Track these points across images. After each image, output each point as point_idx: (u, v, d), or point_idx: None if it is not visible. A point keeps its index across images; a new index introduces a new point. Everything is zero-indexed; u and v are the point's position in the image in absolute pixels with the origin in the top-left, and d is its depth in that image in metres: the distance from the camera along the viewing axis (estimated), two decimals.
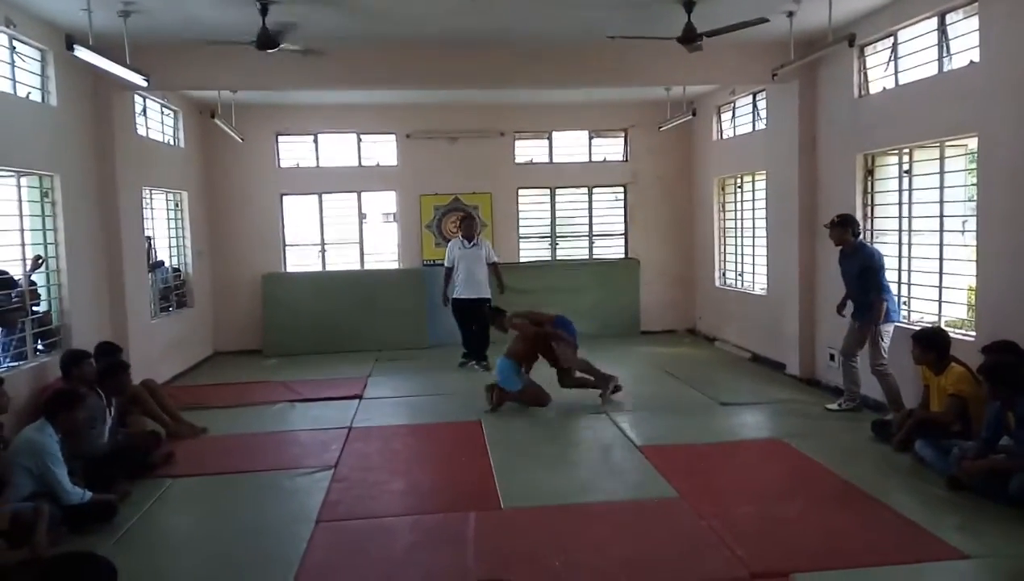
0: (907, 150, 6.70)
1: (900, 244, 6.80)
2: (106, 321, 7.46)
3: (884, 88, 6.96)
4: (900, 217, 6.79)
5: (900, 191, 6.80)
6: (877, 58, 7.06)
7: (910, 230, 6.70)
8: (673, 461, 5.66)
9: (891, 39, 6.79)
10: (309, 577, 4.00)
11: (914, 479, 5.20)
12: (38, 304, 6.61)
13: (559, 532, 4.48)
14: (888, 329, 6.47)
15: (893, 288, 6.72)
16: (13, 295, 6.15)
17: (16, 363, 6.14)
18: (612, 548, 4.27)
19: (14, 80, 6.19)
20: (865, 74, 7.22)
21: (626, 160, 11.52)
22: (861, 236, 6.78)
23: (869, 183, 7.22)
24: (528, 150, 11.46)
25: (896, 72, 6.78)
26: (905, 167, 6.74)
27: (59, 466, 4.54)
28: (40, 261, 6.52)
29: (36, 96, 6.54)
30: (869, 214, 7.22)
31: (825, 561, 4.01)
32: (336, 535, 4.56)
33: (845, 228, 6.64)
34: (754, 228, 9.53)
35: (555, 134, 11.40)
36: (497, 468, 5.61)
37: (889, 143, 6.84)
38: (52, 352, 6.66)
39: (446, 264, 9.39)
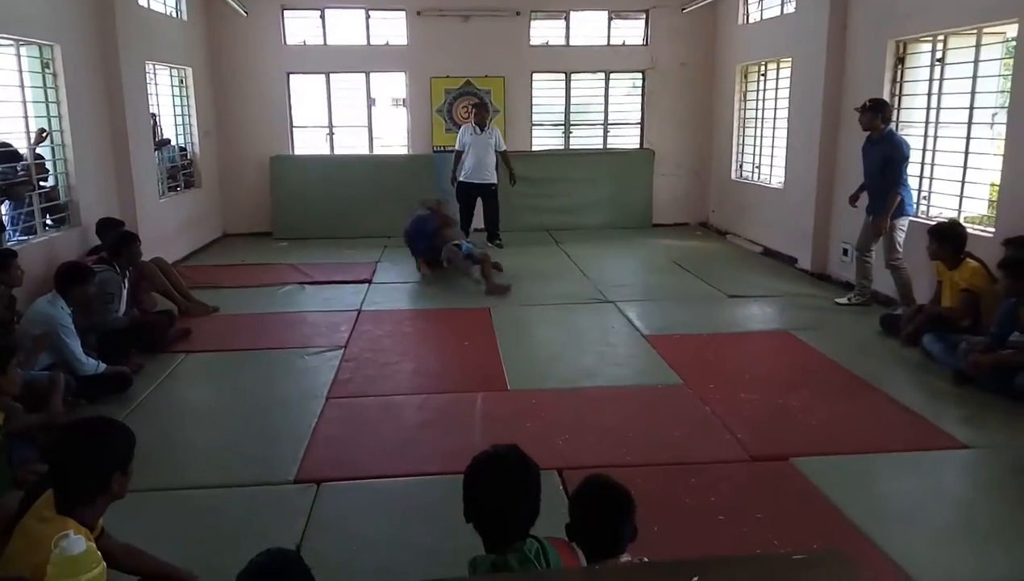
0: (941, 37, 6.38)
1: (926, 137, 6.58)
2: (114, 198, 7.42)
3: None
4: (928, 108, 6.55)
5: (931, 81, 6.52)
6: None
7: (937, 122, 6.47)
8: (679, 350, 5.69)
9: None
10: (320, 449, 4.11)
11: (920, 373, 5.23)
12: (45, 179, 6.55)
13: (564, 414, 4.56)
14: (903, 223, 6.35)
15: (914, 182, 6.57)
16: (19, 168, 6.08)
17: (25, 237, 6.15)
18: (616, 430, 4.35)
19: None
20: None
21: (646, 44, 11.06)
22: (892, 125, 6.53)
23: (899, 72, 6.93)
24: (544, 32, 10.99)
25: None
26: (938, 55, 6.44)
27: (72, 338, 4.61)
28: (45, 134, 6.41)
29: None
30: (896, 105, 6.95)
31: (824, 447, 4.08)
32: (346, 411, 4.66)
33: (876, 113, 6.35)
34: (775, 119, 9.24)
35: (572, 14, 10.90)
36: (504, 353, 5.66)
37: (923, 29, 6.51)
38: (61, 227, 6.65)
39: (456, 148, 9.58)
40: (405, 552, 3.17)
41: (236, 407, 4.78)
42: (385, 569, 3.07)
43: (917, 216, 6.57)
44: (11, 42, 5.97)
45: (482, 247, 8.65)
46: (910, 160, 6.32)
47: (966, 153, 6.08)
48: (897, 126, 6.90)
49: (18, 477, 3.30)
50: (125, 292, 5.72)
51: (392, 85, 11.06)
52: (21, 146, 6.19)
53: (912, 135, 6.76)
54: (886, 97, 6.91)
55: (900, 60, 6.90)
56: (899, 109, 6.95)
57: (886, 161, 6.27)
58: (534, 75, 11.02)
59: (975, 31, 5.97)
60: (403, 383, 5.18)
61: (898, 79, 6.94)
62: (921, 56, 6.72)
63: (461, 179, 9.50)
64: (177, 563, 2.66)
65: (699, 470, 3.83)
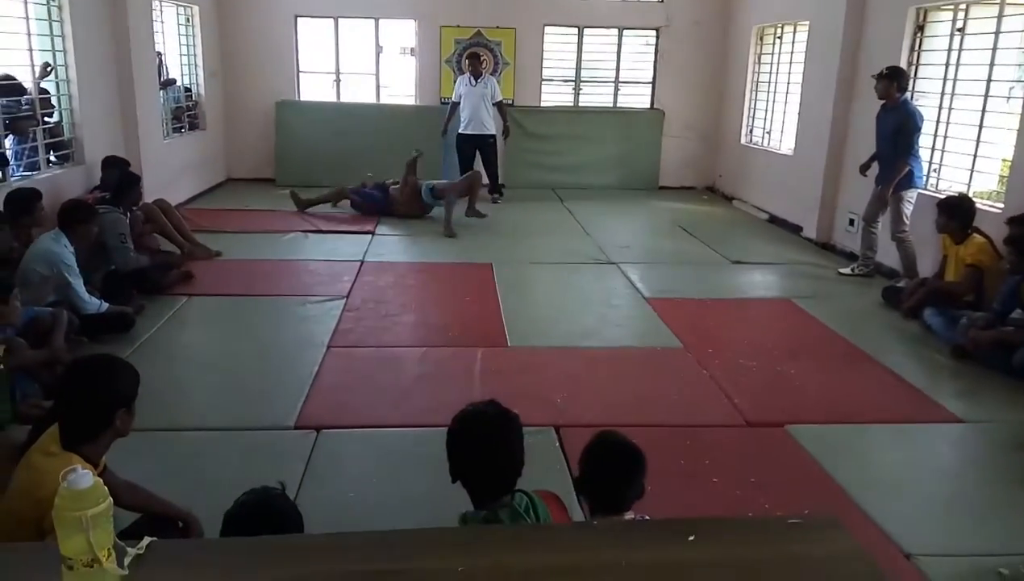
0: (963, 6, 6.26)
1: (940, 108, 6.49)
2: (118, 136, 7.35)
3: None
4: (945, 79, 6.45)
5: (949, 51, 6.41)
6: None
7: (953, 94, 6.38)
8: (679, 314, 5.70)
9: None
10: (320, 396, 4.15)
11: (919, 346, 5.24)
12: (50, 114, 6.49)
13: (562, 372, 4.59)
14: (911, 195, 6.30)
15: (925, 154, 6.52)
16: (23, 102, 6.02)
17: (29, 173, 6.11)
18: (613, 390, 4.38)
19: None
20: None
21: (662, 1, 10.85)
22: (907, 94, 6.45)
23: (918, 40, 6.80)
24: None
25: None
26: (959, 25, 6.32)
27: (75, 276, 4.61)
28: (49, 68, 6.33)
29: None
30: (913, 74, 6.85)
31: (820, 415, 4.12)
32: (346, 360, 4.69)
33: (892, 81, 6.27)
34: (788, 83, 9.11)
35: None
36: (505, 309, 5.67)
37: None
38: (65, 164, 6.61)
39: (452, 99, 9.68)
40: (400, 501, 3.22)
41: (238, 351, 4.81)
42: (380, 517, 3.11)
43: (926, 188, 6.53)
44: None
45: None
46: (922, 131, 6.26)
47: (980, 127, 6.00)
48: (912, 96, 6.81)
49: (21, 411, 3.33)
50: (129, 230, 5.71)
51: (401, 33, 10.87)
52: (26, 80, 6.11)
53: (927, 106, 6.67)
54: (903, 64, 6.81)
55: (920, 28, 6.78)
56: (915, 79, 6.84)
57: (898, 130, 6.20)
58: (546, 28, 10.82)
59: (998, 2, 5.85)
60: (404, 335, 5.20)
61: (916, 48, 6.82)
62: (941, 25, 6.60)
63: (460, 131, 9.55)
64: (176, 502, 2.70)
65: (695, 433, 3.87)
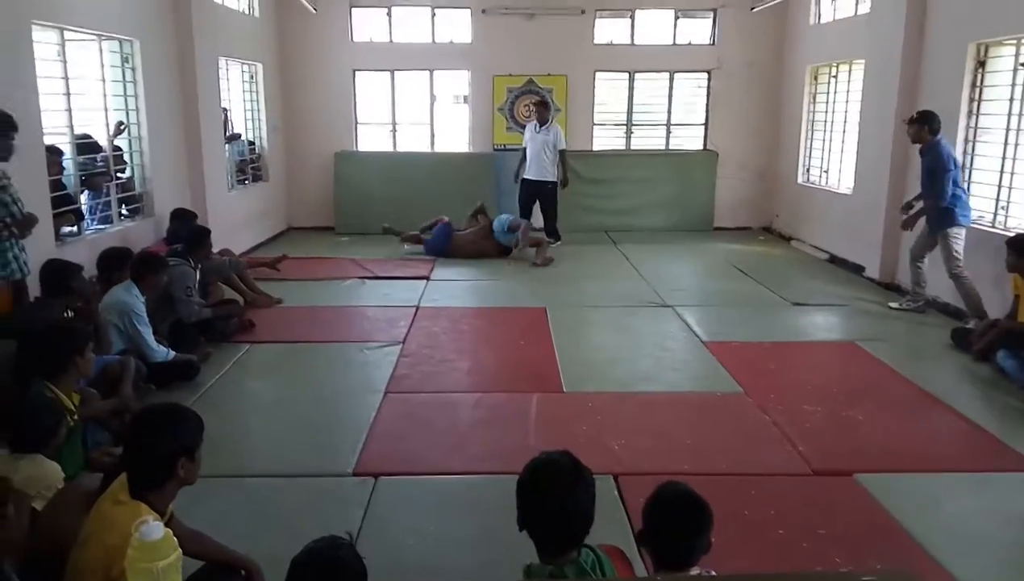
0: None
1: (1006, 144, 6.31)
2: (186, 189, 7.65)
3: None
4: (1009, 114, 6.28)
5: (1013, 86, 6.26)
6: None
7: (1019, 129, 6.20)
8: (739, 357, 5.59)
9: None
10: (378, 442, 4.18)
11: (992, 390, 5.03)
12: (123, 170, 6.80)
13: (619, 418, 4.53)
14: (956, 232, 6.24)
15: (990, 190, 6.36)
16: (98, 159, 6.33)
17: (102, 226, 6.39)
18: (672, 436, 4.30)
19: None
20: None
21: (713, 44, 10.89)
22: (941, 133, 6.40)
23: (979, 76, 6.66)
24: (608, 30, 10.92)
25: None
26: (1022, 59, 6.17)
27: (144, 325, 4.77)
28: (123, 127, 6.65)
29: None
30: (975, 110, 6.70)
31: (890, 464, 3.97)
32: (403, 406, 4.72)
33: (923, 125, 6.37)
34: (845, 122, 8.99)
35: (638, 13, 10.79)
36: (560, 353, 5.65)
37: (1007, 31, 6.24)
38: (136, 217, 6.90)
39: (522, 145, 9.74)
40: (459, 549, 3.20)
41: (298, 398, 4.89)
42: (438, 566, 3.10)
43: (994, 226, 6.33)
44: (94, 38, 6.20)
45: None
46: (955, 170, 6.22)
47: None
48: (976, 132, 6.66)
49: (92, 459, 3.44)
50: (197, 283, 5.91)
51: (455, 82, 11.13)
52: (101, 138, 6.43)
53: (990, 142, 6.53)
54: (964, 101, 6.69)
55: (981, 64, 6.64)
56: (978, 115, 6.69)
57: (931, 171, 6.27)
58: (597, 74, 10.95)
59: None
60: (459, 380, 5.21)
61: (978, 83, 6.67)
62: (1003, 60, 6.46)
63: (522, 176, 9.64)
64: (238, 549, 2.73)
65: (759, 482, 3.76)
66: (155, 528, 1.31)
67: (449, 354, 5.72)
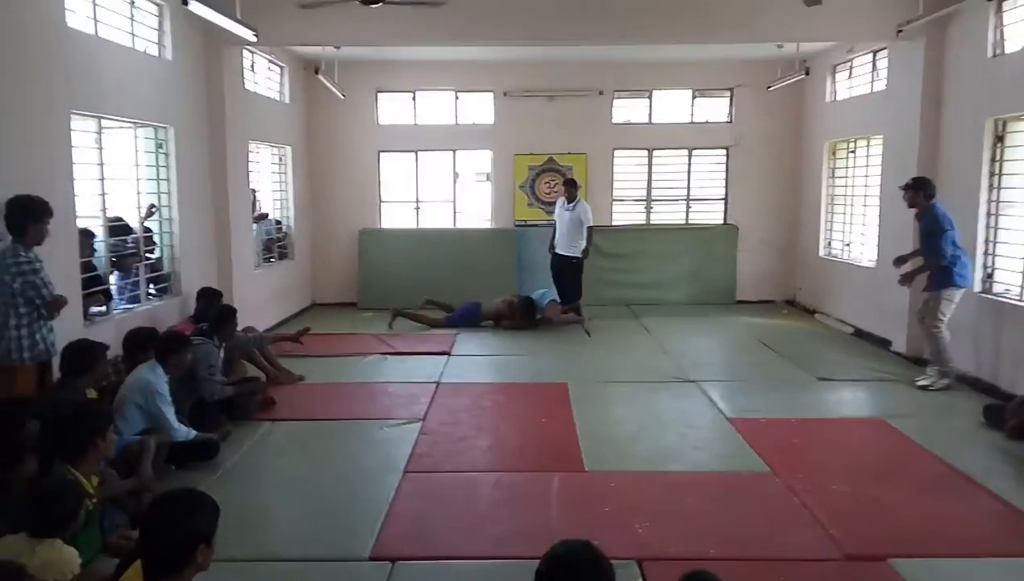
0: None
1: None
2: (213, 268, 7.81)
3: (1023, 46, 6.38)
4: None
5: None
6: (1016, 14, 6.47)
7: None
8: (765, 435, 5.48)
9: None
10: (397, 522, 4.11)
11: None
12: (152, 251, 6.97)
13: (643, 498, 4.43)
14: (950, 294, 6.46)
15: (1015, 264, 6.33)
16: (129, 241, 6.50)
17: (131, 306, 6.51)
18: (698, 518, 4.19)
19: (133, 34, 6.44)
20: (1002, 32, 6.63)
21: (730, 121, 11.08)
22: (935, 197, 6.66)
23: (998, 150, 6.69)
24: (626, 110, 11.17)
25: None
26: None
27: (167, 404, 4.79)
28: (153, 209, 6.84)
29: (153, 50, 6.80)
30: (996, 184, 6.70)
31: (926, 548, 3.82)
32: (423, 486, 4.66)
33: (918, 192, 6.64)
34: (866, 196, 9.02)
35: (655, 93, 11.05)
36: (582, 431, 5.58)
37: None
38: (163, 296, 7.03)
39: (553, 219, 10.03)
40: None
41: (317, 477, 4.85)
42: None
43: (1021, 299, 6.25)
44: (130, 125, 6.46)
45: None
46: (953, 231, 6.43)
47: None
48: (999, 206, 6.65)
49: (109, 543, 3.41)
50: (220, 361, 5.95)
51: (478, 158, 11.38)
52: (132, 220, 6.62)
53: (1013, 216, 6.51)
54: (984, 176, 6.71)
55: (999, 138, 6.67)
56: (1000, 189, 6.69)
57: (927, 234, 6.53)
58: (616, 152, 11.16)
59: None
60: (479, 459, 5.15)
61: (998, 157, 6.69)
62: (1022, 135, 6.48)
63: (553, 251, 9.80)
64: None
65: (789, 567, 3.64)
66: None
67: (469, 431, 5.67)
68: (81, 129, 5.71)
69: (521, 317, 9.39)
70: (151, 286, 6.93)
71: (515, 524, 4.11)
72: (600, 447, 5.26)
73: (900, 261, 6.93)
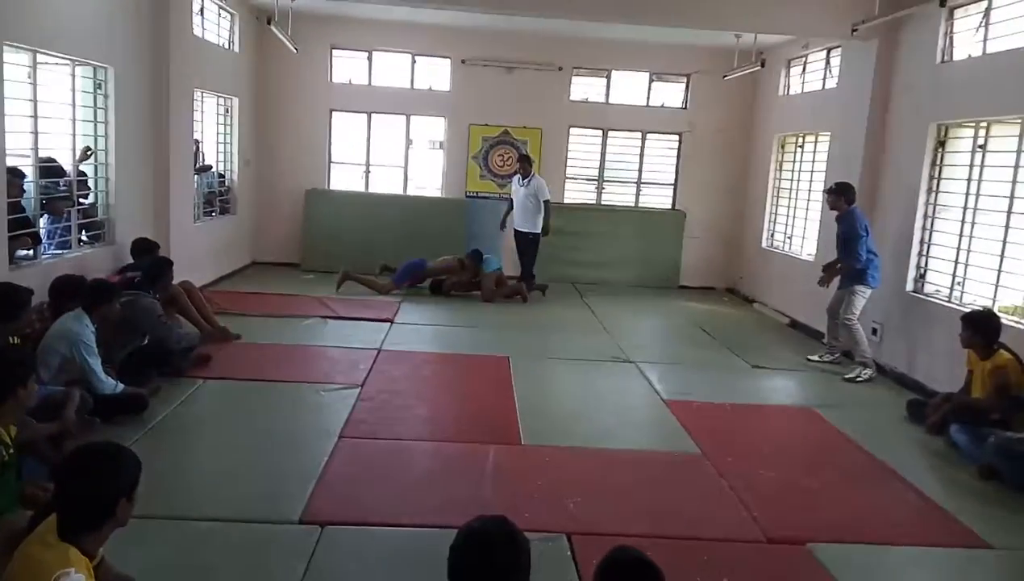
0: (984, 124, 6.35)
1: (963, 222, 6.50)
2: (149, 219, 7.53)
3: (969, 55, 6.56)
4: (967, 194, 6.48)
5: (971, 167, 6.47)
6: (967, 22, 6.64)
7: (975, 209, 6.40)
8: (699, 418, 5.59)
9: (985, 2, 6.37)
10: (328, 490, 4.06)
11: (945, 464, 5.08)
12: (86, 196, 6.68)
13: (577, 474, 4.48)
14: (862, 290, 6.95)
15: (947, 266, 6.58)
16: (61, 184, 6.21)
17: (60, 252, 6.24)
18: (629, 496, 4.26)
19: None
20: (951, 39, 6.81)
21: (685, 108, 11.16)
22: (855, 203, 7.05)
23: (939, 155, 6.89)
24: (584, 88, 11.15)
25: (985, 39, 6.38)
26: (980, 142, 6.40)
27: (92, 355, 4.62)
28: (89, 152, 6.54)
29: None
30: (935, 188, 6.91)
31: (843, 534, 3.95)
32: (357, 452, 4.61)
33: (839, 196, 7.03)
34: (810, 191, 9.22)
35: (614, 73, 11.05)
36: (520, 405, 5.60)
37: (967, 115, 6.49)
38: (96, 244, 6.75)
39: (509, 196, 10.14)
40: None
41: (248, 438, 4.75)
42: None
43: (951, 301, 6.49)
44: (68, 62, 6.14)
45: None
46: (867, 237, 6.86)
47: (1004, 242, 5.98)
48: (935, 209, 6.87)
49: (25, 493, 3.28)
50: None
51: (431, 128, 11.22)
52: (66, 162, 6.32)
53: (948, 219, 6.72)
54: (924, 179, 6.92)
55: (941, 144, 6.87)
56: (937, 192, 6.90)
57: (846, 237, 6.94)
58: (571, 129, 11.13)
59: (1019, 120, 5.94)
60: (417, 428, 5.13)
61: (938, 162, 6.90)
62: (962, 141, 6.69)
63: (514, 226, 9.91)
64: None
65: (712, 547, 3.72)
66: None
67: (408, 400, 5.64)
68: (14, 62, 5.40)
69: (471, 269, 9.47)
70: (83, 233, 6.65)
71: (448, 494, 4.11)
72: (538, 422, 5.29)
73: (829, 267, 7.25)
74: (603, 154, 11.28)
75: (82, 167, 6.54)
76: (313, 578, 3.22)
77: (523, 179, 9.71)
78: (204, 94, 8.80)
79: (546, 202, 9.67)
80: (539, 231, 9.70)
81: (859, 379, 6.88)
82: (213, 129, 9.42)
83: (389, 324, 7.85)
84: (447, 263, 9.55)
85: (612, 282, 10.99)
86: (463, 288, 9.60)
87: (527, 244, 9.81)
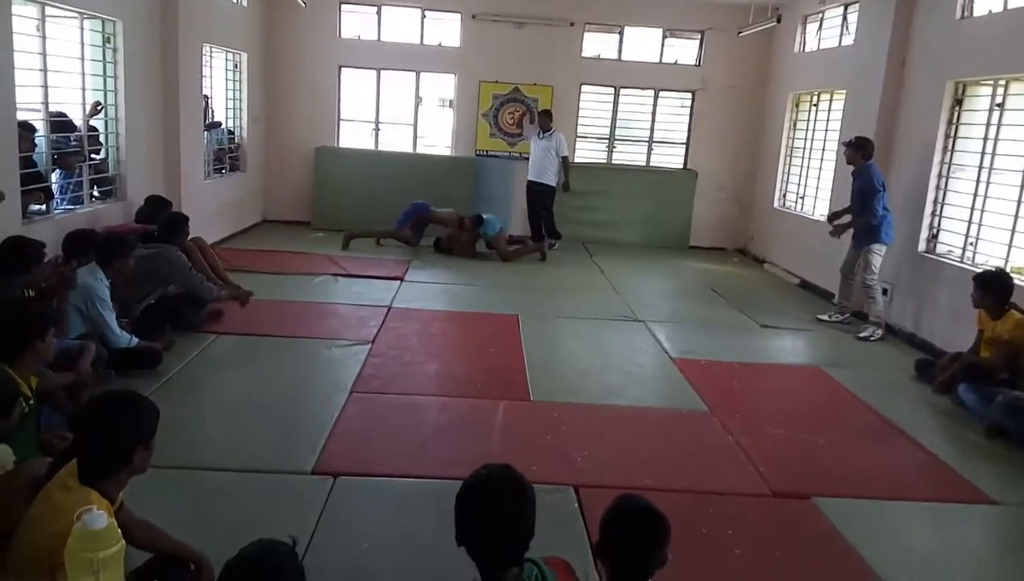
0: (1003, 82, 6.24)
1: (978, 181, 6.43)
2: (160, 175, 7.54)
3: (990, 11, 6.42)
4: (983, 153, 6.40)
5: (988, 125, 6.38)
6: None
7: (991, 168, 6.32)
8: (706, 376, 5.62)
9: None
10: (340, 442, 4.13)
11: (952, 422, 5.10)
12: (97, 151, 6.68)
13: (585, 430, 4.53)
14: (879, 249, 6.94)
15: (960, 226, 6.53)
16: (72, 138, 6.21)
17: (72, 207, 6.27)
18: (636, 451, 4.31)
19: None
20: None
21: (698, 64, 10.99)
22: (872, 159, 7.01)
23: (956, 113, 6.79)
24: (596, 44, 10.98)
25: None
26: (998, 100, 6.30)
27: (107, 309, 4.68)
28: (99, 107, 6.53)
29: None
30: (950, 146, 6.83)
31: (848, 489, 4.00)
32: (368, 406, 4.68)
33: (857, 150, 6.97)
34: (824, 150, 9.12)
35: (627, 29, 10.87)
36: (530, 363, 5.64)
37: (985, 72, 6.38)
38: (107, 200, 6.78)
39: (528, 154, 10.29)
40: (414, 555, 3.16)
41: (261, 392, 4.82)
42: (393, 570, 3.06)
43: (963, 262, 6.45)
44: (76, 15, 6.10)
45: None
46: (884, 192, 6.83)
47: (1019, 202, 5.92)
48: (950, 168, 6.79)
49: (43, 441, 3.35)
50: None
51: (441, 85, 11.11)
52: (76, 117, 6.32)
53: (964, 179, 6.65)
54: (940, 137, 6.82)
55: (958, 102, 6.77)
56: (953, 151, 6.82)
57: (862, 192, 6.90)
58: (583, 87, 11.00)
59: None
60: (426, 384, 5.18)
61: (954, 121, 6.80)
62: (980, 99, 6.59)
63: (528, 178, 10.07)
64: (189, 543, 2.67)
65: (718, 501, 3.78)
66: (98, 517, 1.27)
67: (418, 356, 5.68)
68: (23, 15, 5.37)
69: (470, 231, 9.43)
70: (95, 188, 6.67)
71: (457, 448, 4.17)
72: (547, 379, 5.34)
73: (835, 217, 7.32)
74: (615, 112, 11.15)
75: (93, 122, 6.53)
76: (327, 526, 3.29)
77: (543, 133, 9.86)
78: (213, 49, 8.74)
79: (564, 158, 9.81)
80: (553, 184, 9.80)
81: (872, 338, 6.89)
82: (222, 85, 9.37)
83: (399, 282, 7.88)
84: (449, 214, 9.56)
85: (623, 242, 10.96)
86: (461, 249, 9.50)
87: (541, 197, 9.91)
